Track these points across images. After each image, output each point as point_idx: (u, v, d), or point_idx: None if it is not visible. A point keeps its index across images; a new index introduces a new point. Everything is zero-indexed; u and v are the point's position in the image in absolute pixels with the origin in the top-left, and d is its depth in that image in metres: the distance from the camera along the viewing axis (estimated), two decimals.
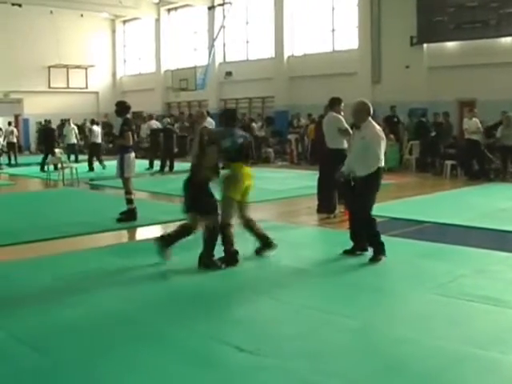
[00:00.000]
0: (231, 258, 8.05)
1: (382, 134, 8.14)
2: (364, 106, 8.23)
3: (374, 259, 8.03)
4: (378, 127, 8.21)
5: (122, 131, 11.40)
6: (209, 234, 7.92)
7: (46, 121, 25.33)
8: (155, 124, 23.49)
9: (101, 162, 22.48)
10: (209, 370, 4.84)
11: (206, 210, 7.91)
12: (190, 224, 8.10)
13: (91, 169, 21.97)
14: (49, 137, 23.43)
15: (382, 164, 8.10)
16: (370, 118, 8.19)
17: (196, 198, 7.93)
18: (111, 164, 20.98)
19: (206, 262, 7.90)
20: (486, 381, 4.65)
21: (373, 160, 7.97)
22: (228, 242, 8.03)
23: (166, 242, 8.14)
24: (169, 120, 24.24)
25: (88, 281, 7.49)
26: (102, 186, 17.55)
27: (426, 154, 20.48)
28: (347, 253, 8.40)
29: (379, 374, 4.74)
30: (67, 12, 31.86)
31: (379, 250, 8.07)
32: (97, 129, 23.46)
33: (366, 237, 8.21)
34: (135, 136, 12.55)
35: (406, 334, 5.51)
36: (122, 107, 11.70)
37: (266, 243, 8.49)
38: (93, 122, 24.28)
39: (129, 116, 11.85)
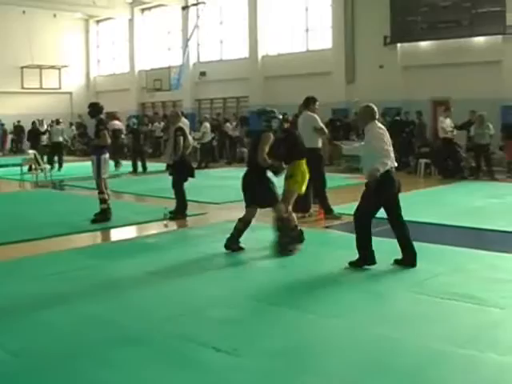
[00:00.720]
0: (298, 237, 8.90)
1: (382, 135, 7.63)
2: (365, 109, 7.86)
3: (354, 264, 7.70)
4: (379, 129, 7.71)
5: (98, 131, 11.35)
6: (280, 222, 8.59)
7: (38, 120, 25.27)
8: (117, 125, 23.20)
9: (60, 162, 22.61)
10: (186, 370, 4.81)
11: (268, 202, 8.62)
12: (248, 216, 8.75)
13: (51, 164, 21.76)
14: (37, 138, 23.79)
15: (389, 166, 7.54)
16: (375, 122, 7.73)
17: (256, 191, 8.53)
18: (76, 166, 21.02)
19: (283, 243, 8.54)
20: (464, 379, 4.67)
21: (374, 162, 7.49)
22: (291, 229, 8.75)
23: (232, 241, 8.72)
24: (135, 120, 24.04)
25: (66, 282, 7.42)
26: (76, 186, 17.39)
27: (399, 152, 20.54)
28: (397, 263, 7.85)
29: (359, 372, 4.74)
30: (40, 12, 31.58)
31: (365, 258, 7.70)
32: (58, 127, 23.33)
33: (356, 239, 7.79)
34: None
35: (386, 333, 5.52)
36: (94, 108, 11.72)
37: (298, 236, 9.06)
38: (58, 123, 24.02)
39: (102, 117, 11.85)
